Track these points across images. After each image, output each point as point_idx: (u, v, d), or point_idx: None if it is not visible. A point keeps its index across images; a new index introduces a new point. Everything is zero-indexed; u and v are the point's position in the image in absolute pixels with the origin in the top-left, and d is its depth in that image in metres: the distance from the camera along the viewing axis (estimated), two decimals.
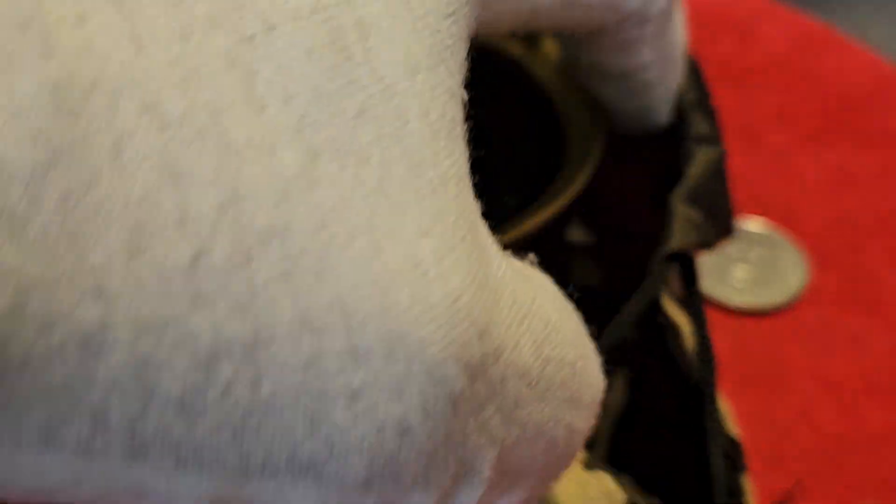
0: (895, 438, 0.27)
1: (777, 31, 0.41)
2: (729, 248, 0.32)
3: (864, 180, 0.35)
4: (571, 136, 0.23)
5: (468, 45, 0.15)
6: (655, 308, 0.23)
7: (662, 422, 0.25)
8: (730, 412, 0.26)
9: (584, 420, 0.16)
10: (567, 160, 0.23)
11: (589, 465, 0.21)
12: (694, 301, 0.23)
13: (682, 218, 0.22)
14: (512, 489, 0.15)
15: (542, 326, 0.15)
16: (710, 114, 0.25)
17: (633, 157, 0.25)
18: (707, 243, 0.23)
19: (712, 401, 0.23)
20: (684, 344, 0.24)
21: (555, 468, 0.16)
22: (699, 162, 0.24)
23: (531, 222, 0.20)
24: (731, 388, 0.28)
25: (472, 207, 0.14)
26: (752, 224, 0.32)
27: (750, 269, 0.31)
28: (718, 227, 0.23)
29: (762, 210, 0.33)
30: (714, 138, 0.25)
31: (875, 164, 0.35)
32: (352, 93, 0.13)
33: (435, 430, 0.13)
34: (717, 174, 0.24)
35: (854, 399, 0.29)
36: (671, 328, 0.24)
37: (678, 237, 0.22)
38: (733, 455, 0.24)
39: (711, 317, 0.30)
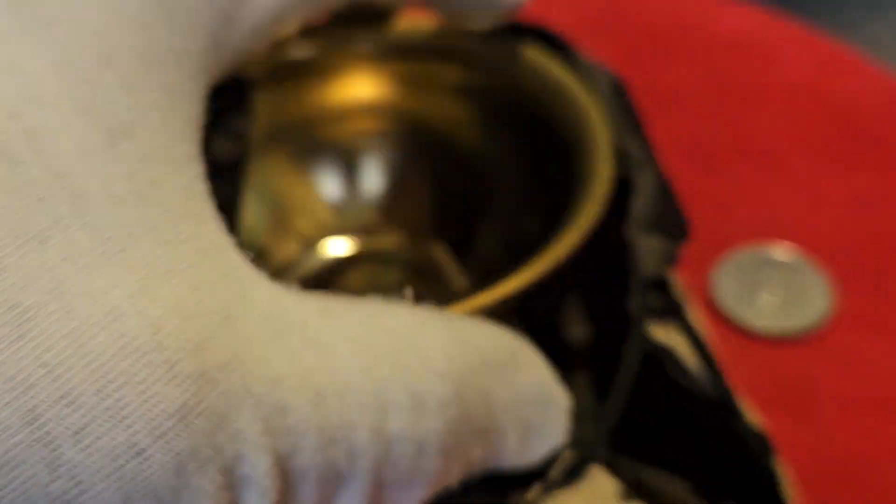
0: None
1: (801, 55, 0.43)
2: (755, 275, 0.33)
3: (888, 204, 0.36)
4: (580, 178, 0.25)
5: (199, 87, 0.19)
6: (646, 342, 0.25)
7: (681, 434, 0.26)
8: (749, 406, 0.27)
9: (411, 427, 0.18)
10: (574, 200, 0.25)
11: (625, 497, 0.23)
12: (682, 318, 0.25)
13: (644, 248, 0.25)
14: (388, 492, 0.17)
15: (306, 345, 0.17)
16: (640, 137, 0.27)
17: None
18: (673, 261, 0.25)
19: (729, 396, 0.24)
20: (682, 361, 0.25)
21: (423, 476, 0.18)
22: (640, 189, 0.26)
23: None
24: (758, 411, 0.29)
25: (187, 249, 0.16)
26: (777, 250, 0.34)
27: (776, 294, 0.32)
28: (675, 235, 0.26)
29: (787, 235, 0.35)
30: (646, 159, 0.27)
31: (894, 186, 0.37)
32: (26, 189, 0.15)
33: (169, 446, 0.15)
34: (661, 193, 0.26)
35: (879, 422, 0.30)
36: (665, 353, 0.25)
37: (648, 264, 0.24)
38: (763, 445, 0.25)
39: (738, 341, 0.32)
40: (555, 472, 0.23)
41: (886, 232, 0.35)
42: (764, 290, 0.32)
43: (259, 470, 0.16)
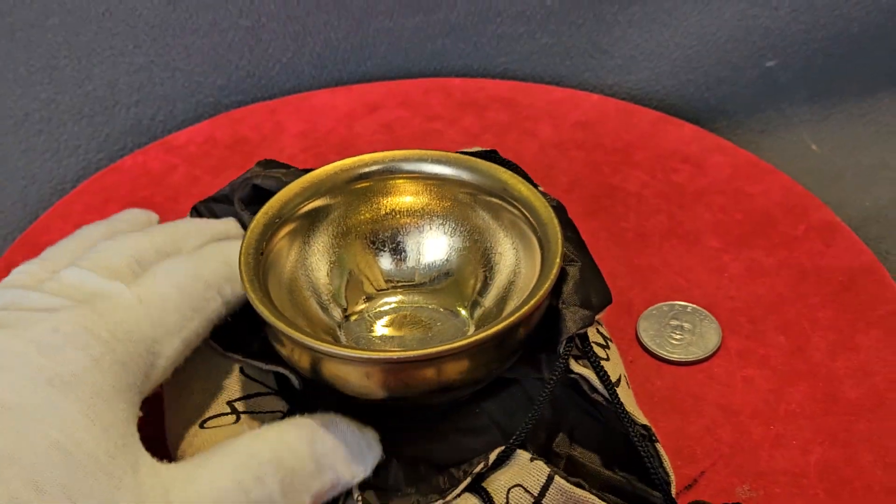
0: (767, 446, 0.41)
1: (723, 162, 0.56)
2: (668, 321, 0.46)
3: (767, 272, 0.49)
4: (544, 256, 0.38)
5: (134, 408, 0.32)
6: (568, 370, 0.37)
7: (593, 423, 0.39)
8: (639, 411, 0.39)
9: None
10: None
11: (531, 459, 0.35)
12: (592, 358, 0.37)
13: (569, 315, 0.37)
14: None
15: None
16: (575, 240, 0.40)
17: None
18: (588, 322, 0.37)
19: (619, 403, 0.36)
20: (593, 382, 0.37)
21: None
22: (570, 277, 0.38)
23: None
24: (665, 413, 0.42)
25: None
26: (684, 305, 0.47)
27: (683, 334, 0.46)
28: (595, 306, 0.38)
29: (694, 294, 0.48)
30: (575, 259, 0.39)
31: (776, 261, 0.49)
32: None
33: None
34: (585, 277, 0.39)
35: (743, 420, 0.42)
36: (581, 377, 0.37)
37: (570, 326, 0.37)
38: (646, 432, 0.37)
39: (655, 367, 0.45)
40: (492, 458, 0.35)
41: (766, 294, 0.48)
42: (674, 332, 0.46)
43: None
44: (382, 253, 0.43)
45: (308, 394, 0.38)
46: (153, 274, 0.35)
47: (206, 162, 0.56)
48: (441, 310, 0.42)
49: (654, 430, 0.38)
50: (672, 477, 0.37)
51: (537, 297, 0.36)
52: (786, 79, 0.62)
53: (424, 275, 0.43)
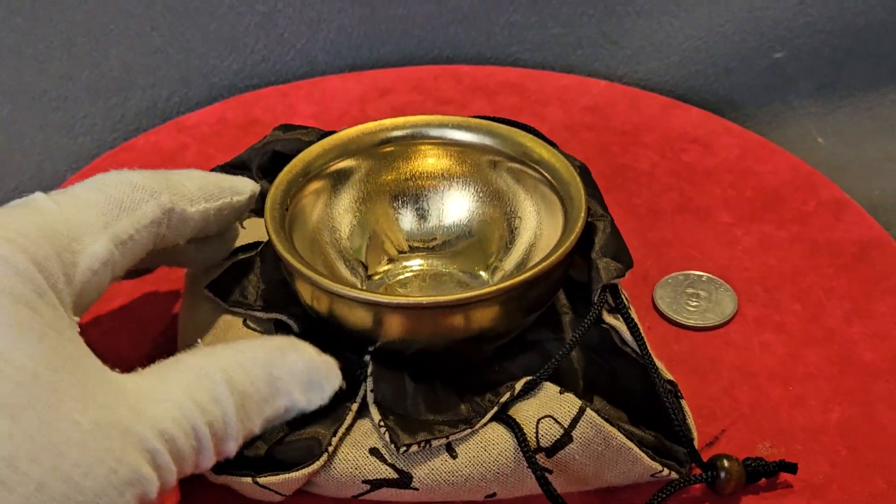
0: (787, 406, 0.41)
1: (731, 143, 0.56)
2: (684, 290, 0.46)
3: (780, 245, 0.49)
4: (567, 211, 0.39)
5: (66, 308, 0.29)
6: (600, 320, 0.38)
7: (620, 380, 0.39)
8: (664, 367, 0.39)
9: None
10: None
11: (560, 392, 0.35)
12: (623, 310, 0.37)
13: (602, 266, 0.37)
14: None
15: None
16: (598, 199, 0.41)
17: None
18: (621, 274, 0.38)
19: (649, 356, 0.37)
20: (623, 334, 0.38)
21: None
22: (600, 230, 0.39)
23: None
24: (684, 375, 0.42)
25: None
26: (702, 274, 0.47)
27: (699, 301, 0.46)
28: (623, 263, 0.38)
29: (709, 265, 0.48)
30: (604, 213, 0.40)
31: (789, 234, 0.50)
32: None
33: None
34: (613, 233, 0.39)
35: (762, 382, 0.43)
36: (612, 328, 0.38)
37: (604, 276, 0.37)
38: (672, 388, 0.38)
39: (672, 332, 0.45)
40: (518, 387, 0.35)
41: (776, 264, 0.48)
42: (691, 299, 0.46)
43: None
44: (404, 215, 0.43)
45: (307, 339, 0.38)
46: (79, 184, 0.33)
47: (218, 141, 0.57)
48: (462, 273, 0.42)
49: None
50: (695, 433, 0.37)
51: (564, 246, 0.36)
52: (793, 71, 0.63)
53: (445, 237, 0.43)
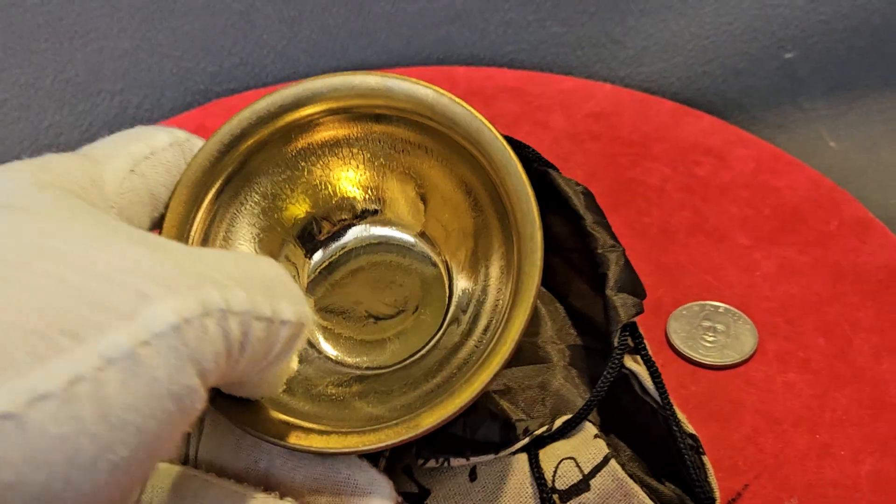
0: (814, 456, 0.38)
1: (746, 155, 0.53)
2: (703, 321, 0.43)
3: (802, 271, 0.46)
4: None
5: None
6: (621, 366, 0.35)
7: (639, 429, 0.36)
8: (686, 419, 0.36)
9: None
10: None
11: (595, 436, 0.33)
12: (644, 352, 0.35)
13: (619, 302, 0.34)
14: None
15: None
16: (606, 227, 0.37)
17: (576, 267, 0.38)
18: (639, 310, 0.35)
19: (671, 408, 0.34)
20: (644, 382, 0.35)
21: None
22: (612, 262, 0.35)
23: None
24: (703, 421, 0.39)
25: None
26: (720, 305, 0.44)
27: (716, 336, 0.43)
28: (639, 297, 0.35)
29: (726, 293, 0.45)
30: (615, 244, 0.36)
31: (811, 259, 0.47)
32: None
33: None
34: (625, 266, 0.35)
35: (787, 429, 0.39)
36: (632, 374, 0.35)
37: (623, 315, 0.34)
38: (694, 443, 0.35)
39: (688, 371, 0.41)
40: (557, 424, 0.33)
41: (802, 293, 0.45)
42: (706, 334, 0.43)
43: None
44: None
45: None
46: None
47: None
48: (406, 251, 0.35)
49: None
50: (717, 493, 0.34)
51: (491, 369, 0.29)
52: (804, 71, 0.59)
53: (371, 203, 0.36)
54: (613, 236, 0.37)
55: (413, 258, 0.35)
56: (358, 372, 0.33)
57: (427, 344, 0.34)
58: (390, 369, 0.33)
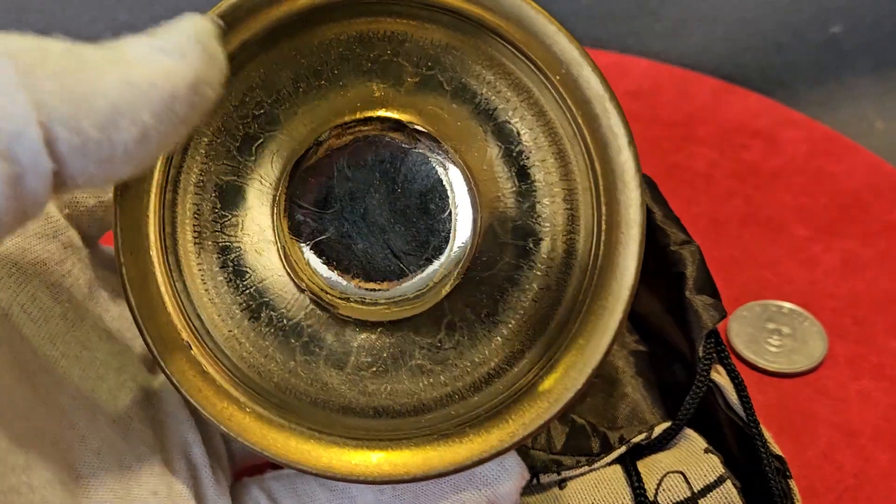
0: None
1: (797, 137, 0.49)
2: (763, 325, 0.39)
3: (867, 265, 0.42)
4: None
5: None
6: (709, 379, 0.31)
7: (722, 447, 0.33)
8: (772, 438, 0.33)
9: None
10: None
11: (706, 451, 0.29)
12: (728, 365, 0.31)
13: (700, 305, 0.31)
14: None
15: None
16: (676, 221, 0.33)
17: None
18: (721, 314, 0.31)
19: (758, 426, 0.30)
20: (728, 396, 0.32)
21: None
22: (689, 261, 0.32)
23: None
24: (775, 436, 0.35)
25: None
26: (782, 303, 0.40)
27: (782, 339, 0.39)
28: (716, 298, 0.31)
29: (789, 289, 0.41)
30: (689, 240, 0.32)
31: (875, 251, 0.43)
32: None
33: None
34: (702, 264, 0.32)
35: (865, 444, 0.36)
36: (717, 387, 0.32)
37: (707, 320, 0.31)
38: (781, 465, 0.32)
39: (754, 378, 0.38)
40: (657, 432, 0.29)
41: (869, 290, 0.41)
42: (771, 337, 0.39)
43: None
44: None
45: None
46: None
47: None
48: (427, 198, 0.26)
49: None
50: None
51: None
52: (851, 46, 0.56)
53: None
54: (684, 230, 0.34)
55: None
56: (384, 310, 0.26)
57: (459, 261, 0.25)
58: (420, 303, 0.26)
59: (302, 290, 0.26)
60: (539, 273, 0.25)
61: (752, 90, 0.55)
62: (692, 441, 0.30)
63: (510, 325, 0.25)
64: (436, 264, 0.26)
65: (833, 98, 0.56)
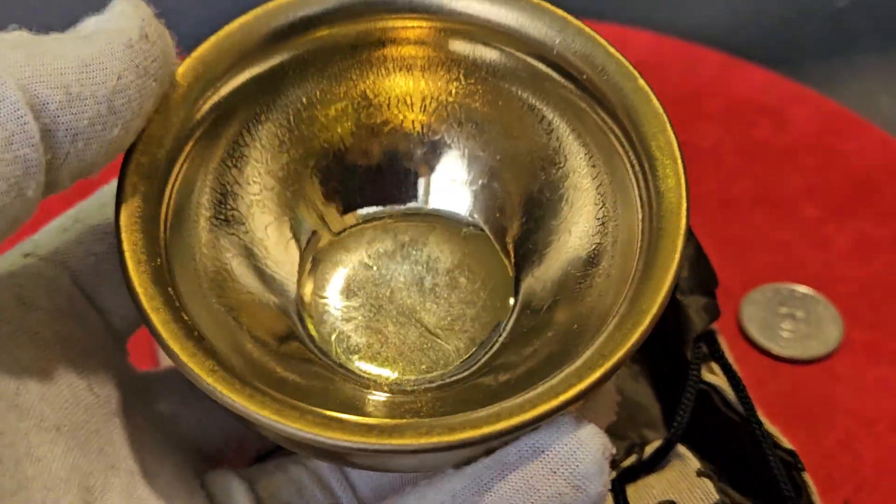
0: None
1: (807, 114, 0.47)
2: (776, 309, 0.38)
3: (882, 247, 0.41)
4: None
5: None
6: (700, 382, 0.29)
7: (727, 448, 0.31)
8: (779, 432, 0.32)
9: None
10: None
11: (699, 473, 0.27)
12: (723, 361, 0.29)
13: (693, 309, 0.29)
14: None
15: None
16: None
17: None
18: (715, 315, 0.29)
19: (760, 425, 0.29)
20: (727, 395, 0.30)
21: None
22: (684, 260, 0.29)
23: None
24: (788, 425, 0.34)
25: None
26: (793, 288, 0.39)
27: (796, 324, 0.37)
28: (711, 290, 0.29)
29: (799, 274, 0.40)
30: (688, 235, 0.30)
31: (891, 233, 0.41)
32: None
33: None
34: (696, 260, 0.30)
35: (883, 432, 0.35)
36: (712, 388, 0.30)
37: (697, 323, 0.29)
38: (792, 459, 0.30)
39: (767, 365, 0.36)
40: (648, 452, 0.28)
41: (885, 273, 0.40)
42: (784, 322, 0.38)
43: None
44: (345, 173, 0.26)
45: None
46: None
47: None
48: (456, 273, 0.25)
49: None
50: None
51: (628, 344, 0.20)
52: (858, 22, 0.54)
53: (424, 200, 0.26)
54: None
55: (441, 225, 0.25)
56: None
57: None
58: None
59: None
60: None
61: (757, 65, 0.54)
62: (685, 462, 0.28)
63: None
64: (476, 339, 0.24)
65: (839, 74, 0.55)
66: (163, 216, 0.22)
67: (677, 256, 0.21)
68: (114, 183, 0.22)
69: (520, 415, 0.19)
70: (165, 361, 0.30)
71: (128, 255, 0.21)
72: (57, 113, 0.19)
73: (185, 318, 0.21)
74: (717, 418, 0.31)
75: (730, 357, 0.33)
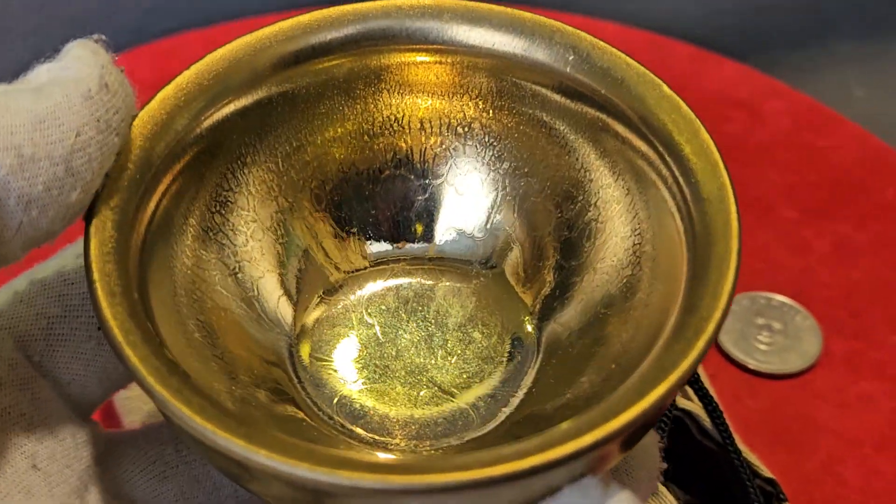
0: None
1: (780, 108, 0.46)
2: (752, 320, 0.36)
3: (861, 251, 0.39)
4: None
5: None
6: (674, 408, 0.27)
7: (704, 477, 0.30)
8: (759, 460, 0.30)
9: None
10: None
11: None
12: (699, 386, 0.27)
13: None
14: None
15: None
16: None
17: None
18: None
19: (737, 452, 0.27)
20: (702, 422, 0.29)
21: None
22: None
23: None
24: (767, 445, 0.33)
25: None
26: (769, 297, 0.37)
27: (773, 336, 0.36)
28: None
29: (777, 282, 0.38)
30: None
31: (873, 236, 0.40)
32: None
33: None
34: None
35: (869, 453, 0.33)
36: (687, 415, 0.28)
37: None
38: (773, 489, 0.28)
39: (743, 381, 0.35)
40: None
41: (863, 279, 0.38)
42: (761, 334, 0.36)
43: None
44: (356, 209, 0.24)
45: None
46: None
47: None
48: (468, 327, 0.23)
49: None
50: None
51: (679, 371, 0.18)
52: (834, 8, 0.53)
53: (440, 242, 0.24)
54: None
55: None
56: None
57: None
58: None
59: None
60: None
61: (728, 55, 0.52)
62: (661, 500, 0.27)
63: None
64: (497, 395, 0.22)
65: (813, 63, 0.53)
66: (136, 251, 0.20)
67: (734, 258, 0.19)
68: (78, 244, 0.20)
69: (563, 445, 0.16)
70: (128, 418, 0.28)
71: (99, 286, 0.18)
72: (7, 179, 0.17)
73: (169, 355, 0.18)
74: (693, 446, 0.29)
75: (704, 376, 0.32)
